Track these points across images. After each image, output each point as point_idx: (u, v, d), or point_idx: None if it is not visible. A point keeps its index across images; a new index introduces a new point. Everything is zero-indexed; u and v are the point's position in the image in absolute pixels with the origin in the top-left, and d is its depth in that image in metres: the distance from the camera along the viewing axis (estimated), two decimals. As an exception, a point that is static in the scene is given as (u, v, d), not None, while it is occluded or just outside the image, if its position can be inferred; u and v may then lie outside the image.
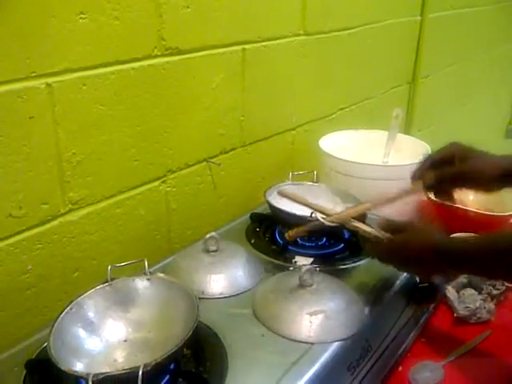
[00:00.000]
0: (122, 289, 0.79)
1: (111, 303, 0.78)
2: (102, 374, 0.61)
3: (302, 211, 1.04)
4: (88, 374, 0.61)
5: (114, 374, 0.63)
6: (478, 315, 0.99)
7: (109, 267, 0.79)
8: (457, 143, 0.91)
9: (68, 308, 0.73)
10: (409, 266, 0.87)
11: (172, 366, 0.71)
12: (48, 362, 0.67)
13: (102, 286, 0.78)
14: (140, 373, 0.60)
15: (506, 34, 2.71)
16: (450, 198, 0.97)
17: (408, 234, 0.85)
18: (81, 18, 0.84)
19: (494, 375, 0.89)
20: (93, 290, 0.77)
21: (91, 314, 0.76)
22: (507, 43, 2.76)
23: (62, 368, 0.63)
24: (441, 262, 0.80)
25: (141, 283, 0.80)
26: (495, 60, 2.67)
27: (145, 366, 0.61)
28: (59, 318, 0.71)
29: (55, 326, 0.70)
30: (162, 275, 0.82)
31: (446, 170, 0.90)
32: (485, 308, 1.00)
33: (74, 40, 0.85)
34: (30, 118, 0.82)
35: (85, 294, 0.76)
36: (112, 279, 0.79)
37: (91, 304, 0.76)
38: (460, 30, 2.23)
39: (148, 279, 0.80)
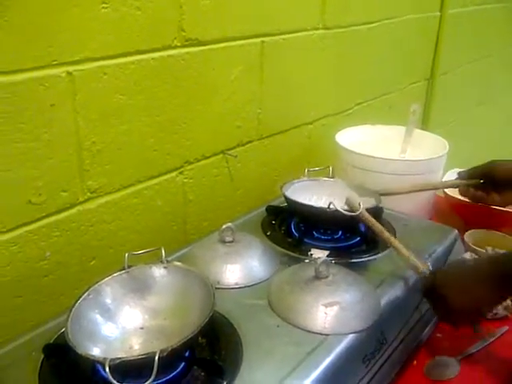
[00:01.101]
0: (138, 276, 0.80)
1: (128, 290, 0.79)
2: (118, 358, 0.62)
3: (318, 203, 1.04)
4: (105, 359, 0.61)
5: (130, 359, 0.64)
6: (495, 311, 0.99)
7: (126, 254, 0.79)
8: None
9: (86, 294, 0.74)
10: (464, 297, 0.79)
11: (187, 354, 0.71)
12: (65, 346, 0.67)
13: (119, 273, 0.79)
14: (156, 358, 0.61)
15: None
16: None
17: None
18: (103, 7, 0.85)
19: (509, 372, 0.89)
20: (110, 277, 0.78)
21: (108, 301, 0.76)
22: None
23: (79, 352, 0.64)
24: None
25: (157, 271, 0.80)
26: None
27: (161, 351, 0.62)
28: (77, 304, 0.72)
29: (73, 311, 0.70)
30: (178, 263, 0.82)
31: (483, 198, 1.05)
32: (502, 304, 0.99)
33: (96, 29, 0.85)
34: (51, 105, 0.83)
35: (102, 281, 0.77)
36: (129, 267, 0.79)
37: (108, 291, 0.77)
38: (480, 26, 2.21)
39: (165, 267, 0.80)
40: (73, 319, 0.69)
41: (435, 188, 1.27)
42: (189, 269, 0.80)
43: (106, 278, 0.78)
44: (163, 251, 0.81)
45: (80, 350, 0.64)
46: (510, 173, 1.01)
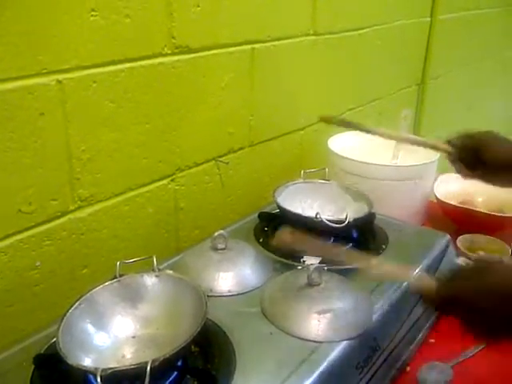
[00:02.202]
0: (130, 285, 0.79)
1: (120, 299, 0.78)
2: (110, 368, 0.61)
3: (309, 212, 1.04)
4: (96, 369, 0.61)
5: (122, 369, 0.63)
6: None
7: (118, 263, 0.79)
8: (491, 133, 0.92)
9: (77, 303, 0.73)
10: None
11: (180, 363, 0.71)
12: (56, 357, 0.67)
13: (110, 282, 0.78)
14: (148, 368, 0.60)
15: (516, 37, 2.70)
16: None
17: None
18: (92, 15, 0.85)
19: (503, 376, 0.89)
20: (101, 286, 0.77)
21: (100, 310, 0.76)
22: (518, 46, 2.75)
23: (70, 362, 0.63)
24: None
25: (149, 280, 0.80)
26: (506, 62, 2.65)
27: (153, 361, 0.61)
28: (68, 313, 0.71)
29: (64, 320, 0.70)
30: (170, 272, 0.82)
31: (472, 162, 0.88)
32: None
33: (85, 37, 0.85)
34: (41, 114, 0.82)
35: (93, 290, 0.76)
36: (121, 275, 0.79)
37: (100, 300, 0.76)
38: (470, 31, 2.22)
39: (157, 276, 0.80)
40: (64, 329, 0.69)
41: (417, 144, 1.05)
42: (181, 277, 0.80)
43: (98, 287, 0.77)
44: (155, 260, 0.81)
45: (71, 361, 0.64)
46: (505, 156, 0.88)
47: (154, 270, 0.81)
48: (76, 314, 0.72)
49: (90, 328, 0.74)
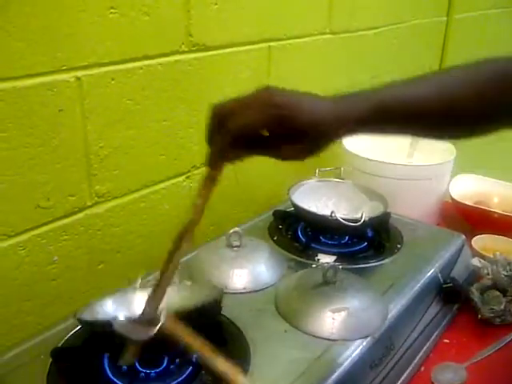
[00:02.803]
0: None
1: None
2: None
3: (324, 210, 1.04)
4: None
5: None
6: (503, 317, 0.98)
7: (139, 278, 0.81)
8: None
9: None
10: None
11: (194, 359, 0.71)
12: (73, 350, 0.68)
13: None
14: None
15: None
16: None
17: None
18: (111, 12, 0.85)
19: (517, 378, 0.88)
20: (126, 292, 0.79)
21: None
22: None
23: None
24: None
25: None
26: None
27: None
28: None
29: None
30: (188, 283, 0.83)
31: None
32: (509, 310, 0.98)
33: (104, 34, 0.86)
34: (60, 110, 0.83)
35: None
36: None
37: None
38: (487, 31, 2.20)
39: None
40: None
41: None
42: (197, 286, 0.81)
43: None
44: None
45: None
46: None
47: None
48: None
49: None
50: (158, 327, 0.62)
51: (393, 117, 0.63)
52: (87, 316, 0.71)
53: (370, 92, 0.63)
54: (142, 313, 0.65)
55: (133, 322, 0.64)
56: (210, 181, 0.64)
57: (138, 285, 0.80)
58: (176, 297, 0.74)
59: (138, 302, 0.76)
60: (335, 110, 0.61)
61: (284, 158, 0.61)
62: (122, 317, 0.67)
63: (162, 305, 0.65)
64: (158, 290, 0.64)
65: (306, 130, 0.58)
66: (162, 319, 0.63)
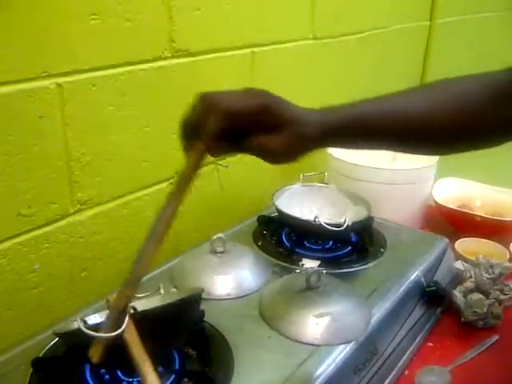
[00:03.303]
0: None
1: None
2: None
3: (307, 215, 1.04)
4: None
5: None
6: (486, 320, 0.99)
7: None
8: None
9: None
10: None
11: (177, 366, 0.71)
12: (54, 360, 0.67)
13: None
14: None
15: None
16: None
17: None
18: (92, 18, 0.85)
19: (501, 380, 0.89)
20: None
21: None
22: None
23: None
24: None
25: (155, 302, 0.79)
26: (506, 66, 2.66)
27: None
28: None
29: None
30: (175, 290, 0.82)
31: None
32: (492, 313, 0.99)
33: (85, 41, 0.85)
34: (40, 117, 0.82)
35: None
36: None
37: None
38: (469, 35, 2.22)
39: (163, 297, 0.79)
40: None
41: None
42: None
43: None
44: (162, 288, 0.79)
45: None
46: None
47: (160, 294, 0.79)
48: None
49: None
50: (117, 332, 0.61)
51: (367, 129, 0.64)
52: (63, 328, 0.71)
53: (348, 105, 0.66)
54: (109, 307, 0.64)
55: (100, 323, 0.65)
56: (191, 171, 0.64)
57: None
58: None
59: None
60: (315, 115, 0.64)
61: (265, 151, 0.63)
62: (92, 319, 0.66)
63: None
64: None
65: (291, 121, 0.61)
66: (124, 325, 0.62)
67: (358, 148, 0.71)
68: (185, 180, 0.65)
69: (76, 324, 0.64)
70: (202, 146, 0.61)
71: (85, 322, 0.64)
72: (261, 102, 0.59)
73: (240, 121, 0.59)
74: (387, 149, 0.74)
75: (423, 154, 1.00)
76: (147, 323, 0.64)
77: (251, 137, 0.61)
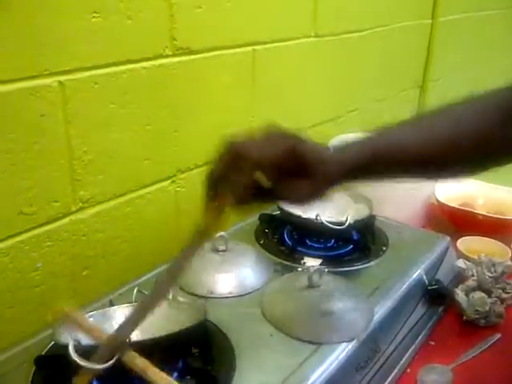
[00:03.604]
0: None
1: None
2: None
3: (309, 213, 1.04)
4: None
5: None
6: (488, 318, 0.99)
7: (135, 291, 0.81)
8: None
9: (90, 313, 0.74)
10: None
11: (180, 364, 0.71)
12: (57, 358, 0.67)
13: (127, 305, 0.78)
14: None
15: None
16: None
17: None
18: (94, 16, 0.85)
19: (502, 379, 0.89)
20: (117, 306, 0.78)
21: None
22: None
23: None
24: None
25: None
26: (508, 64, 2.65)
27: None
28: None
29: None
30: (181, 299, 0.82)
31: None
32: (494, 311, 0.99)
33: (87, 39, 0.85)
34: (42, 115, 0.82)
35: (110, 308, 0.78)
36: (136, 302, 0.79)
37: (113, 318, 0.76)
38: (471, 33, 2.22)
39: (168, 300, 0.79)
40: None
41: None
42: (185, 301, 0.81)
43: (115, 307, 0.78)
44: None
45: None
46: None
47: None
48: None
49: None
50: (112, 361, 0.61)
51: (388, 163, 0.65)
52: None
53: (366, 140, 0.65)
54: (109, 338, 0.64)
55: (91, 348, 0.64)
56: (212, 224, 0.63)
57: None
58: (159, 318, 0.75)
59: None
60: (335, 155, 0.63)
61: (293, 197, 0.63)
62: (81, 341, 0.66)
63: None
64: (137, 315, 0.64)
65: (315, 164, 0.60)
66: (119, 353, 0.62)
67: (382, 181, 0.70)
68: (204, 233, 0.64)
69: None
70: (229, 197, 0.60)
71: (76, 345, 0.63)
72: (286, 149, 0.59)
73: (269, 170, 0.59)
74: (411, 180, 0.76)
75: (440, 179, 0.99)
76: (146, 352, 0.64)
77: (278, 184, 0.61)
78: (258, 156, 0.58)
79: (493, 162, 0.67)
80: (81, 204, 0.92)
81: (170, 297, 0.79)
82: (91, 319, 0.74)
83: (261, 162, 0.58)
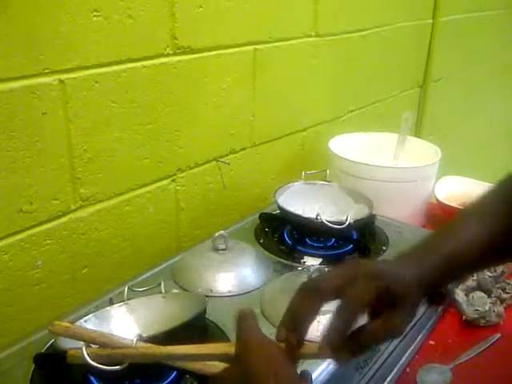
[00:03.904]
0: (138, 308, 0.79)
1: (126, 321, 0.78)
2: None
3: (309, 213, 1.04)
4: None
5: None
6: (487, 318, 0.99)
7: (126, 288, 0.81)
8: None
9: (82, 320, 0.73)
10: None
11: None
12: (56, 356, 0.67)
13: (118, 304, 0.79)
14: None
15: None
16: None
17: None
18: (95, 15, 0.85)
19: (502, 379, 0.89)
20: (110, 307, 0.78)
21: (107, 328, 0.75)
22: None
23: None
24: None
25: (156, 302, 0.79)
26: (508, 64, 2.65)
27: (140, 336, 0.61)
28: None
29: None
30: (176, 291, 0.83)
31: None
32: (494, 311, 0.99)
33: (88, 37, 0.85)
34: (43, 114, 0.82)
35: (103, 309, 0.77)
36: (129, 299, 0.79)
37: (107, 319, 0.77)
38: (472, 33, 2.22)
39: (163, 297, 0.80)
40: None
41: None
42: (185, 294, 0.81)
43: (107, 308, 0.78)
44: (163, 285, 0.81)
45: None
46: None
47: (160, 293, 0.80)
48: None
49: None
50: (118, 367, 0.60)
51: (463, 266, 0.67)
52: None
53: (435, 247, 0.66)
54: None
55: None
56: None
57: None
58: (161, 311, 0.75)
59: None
60: (414, 279, 0.62)
61: (394, 331, 0.60)
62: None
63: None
64: None
65: (403, 297, 0.60)
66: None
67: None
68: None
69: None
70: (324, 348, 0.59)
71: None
72: (376, 285, 0.58)
73: (368, 309, 0.59)
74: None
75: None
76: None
77: (375, 322, 0.60)
78: (360, 303, 0.58)
79: None
80: (81, 202, 0.92)
81: (163, 289, 0.80)
82: (90, 324, 0.74)
83: (360, 306, 0.58)
